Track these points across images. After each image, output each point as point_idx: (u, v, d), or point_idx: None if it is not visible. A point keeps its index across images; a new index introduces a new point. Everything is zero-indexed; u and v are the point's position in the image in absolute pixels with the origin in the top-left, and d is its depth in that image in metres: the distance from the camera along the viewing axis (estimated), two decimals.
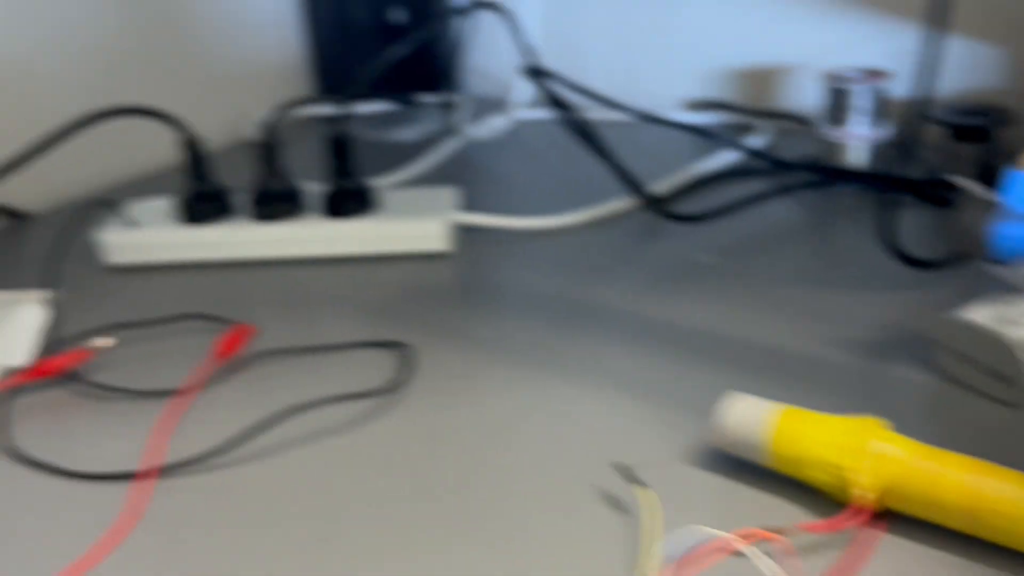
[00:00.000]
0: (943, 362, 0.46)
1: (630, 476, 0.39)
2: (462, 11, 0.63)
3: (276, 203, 0.63)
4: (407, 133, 0.86)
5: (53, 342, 0.53)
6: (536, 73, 0.68)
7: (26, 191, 0.73)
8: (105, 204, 0.63)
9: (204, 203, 0.63)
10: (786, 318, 0.52)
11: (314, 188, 0.64)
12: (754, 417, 0.39)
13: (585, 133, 0.63)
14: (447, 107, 0.90)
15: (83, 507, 0.41)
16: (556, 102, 0.64)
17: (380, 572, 0.36)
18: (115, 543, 0.38)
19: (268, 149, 0.62)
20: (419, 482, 0.41)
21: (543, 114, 0.87)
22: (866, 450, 0.37)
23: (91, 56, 0.76)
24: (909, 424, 0.38)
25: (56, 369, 0.50)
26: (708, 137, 0.74)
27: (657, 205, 0.65)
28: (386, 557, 0.37)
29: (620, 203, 0.66)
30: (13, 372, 0.50)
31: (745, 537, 0.35)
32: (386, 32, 0.94)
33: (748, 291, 0.55)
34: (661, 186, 0.68)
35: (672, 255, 0.60)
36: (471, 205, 0.69)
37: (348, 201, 0.63)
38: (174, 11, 0.82)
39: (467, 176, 0.75)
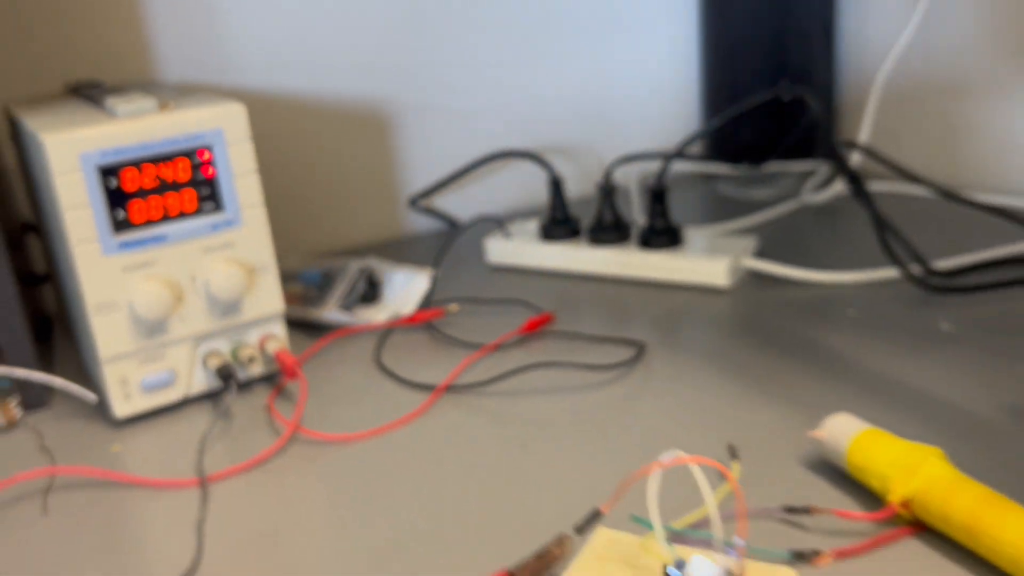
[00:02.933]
0: None
1: (733, 453, 0.51)
2: (778, 93, 0.76)
3: (608, 232, 0.81)
4: (760, 193, 0.99)
5: (429, 303, 0.77)
6: (843, 146, 0.78)
7: (460, 206, 1.01)
8: (496, 221, 0.86)
9: (557, 227, 0.84)
10: (980, 382, 0.58)
11: (639, 224, 0.82)
12: (843, 431, 0.49)
13: (868, 203, 0.73)
14: (805, 176, 1.02)
15: (401, 396, 0.63)
16: (847, 173, 0.74)
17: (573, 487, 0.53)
18: (410, 418, 0.60)
19: (605, 192, 0.81)
20: (619, 442, 0.57)
21: (881, 186, 0.95)
22: (910, 468, 0.45)
23: (520, 102, 1.02)
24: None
25: (421, 319, 0.74)
26: (1012, 221, 0.78)
27: (928, 276, 0.72)
28: (575, 486, 0.53)
29: (892, 271, 0.74)
30: (397, 317, 0.75)
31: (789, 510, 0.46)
32: (770, 106, 1.08)
33: (973, 361, 0.61)
34: (946, 263, 0.75)
35: (921, 321, 0.67)
36: (772, 255, 0.81)
37: (659, 236, 0.79)
38: (593, 77, 1.05)
39: (789, 234, 0.87)
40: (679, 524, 0.46)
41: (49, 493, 0.56)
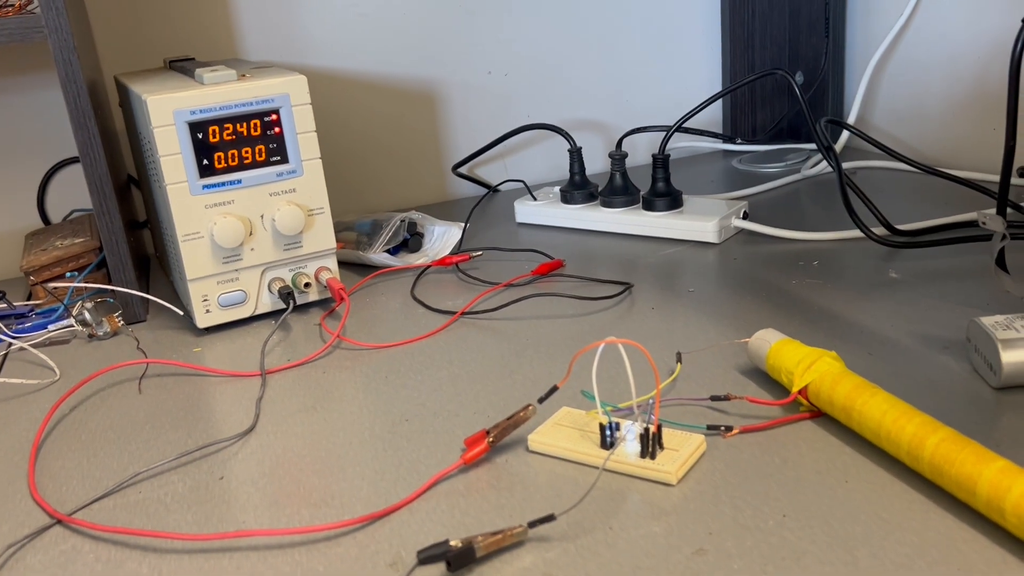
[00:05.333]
0: (969, 354, 0.61)
1: (678, 357, 0.63)
2: (764, 75, 0.87)
3: (618, 196, 0.93)
4: (770, 169, 1.10)
5: (459, 251, 0.91)
6: (836, 124, 0.89)
7: (495, 175, 1.14)
8: (524, 187, 0.99)
9: (575, 191, 0.96)
10: (907, 318, 0.68)
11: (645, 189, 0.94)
12: (765, 340, 0.61)
13: (838, 173, 0.83)
14: (809, 153, 1.12)
15: (428, 320, 0.77)
16: (824, 149, 0.85)
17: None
18: (433, 334, 0.73)
19: (615, 160, 0.93)
20: (593, 352, 0.69)
21: (874, 163, 1.05)
22: (808, 364, 0.56)
23: (552, 83, 1.15)
24: (927, 391, 0.57)
25: (449, 262, 0.87)
26: (980, 191, 0.87)
27: (891, 235, 0.82)
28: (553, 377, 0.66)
29: (858, 231, 0.84)
30: (433, 260, 0.89)
31: (714, 398, 0.58)
32: (783, 91, 1.19)
33: (900, 299, 0.72)
34: (908, 225, 0.85)
35: (874, 271, 0.78)
36: (769, 219, 0.92)
37: (661, 199, 0.91)
38: (622, 65, 1.17)
39: (788, 202, 0.98)
40: (623, 405, 0.58)
41: (143, 378, 0.71)
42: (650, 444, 0.52)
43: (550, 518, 0.47)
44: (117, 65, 1.00)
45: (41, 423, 0.65)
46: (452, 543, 0.46)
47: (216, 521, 0.52)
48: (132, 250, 0.84)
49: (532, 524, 0.47)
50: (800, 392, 0.57)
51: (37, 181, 1.01)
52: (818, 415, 0.57)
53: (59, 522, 0.53)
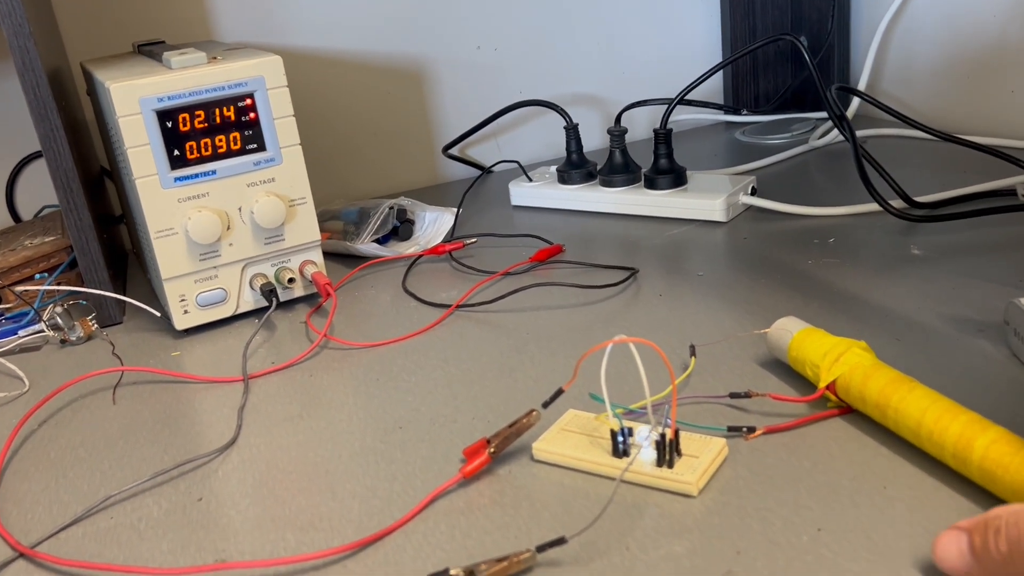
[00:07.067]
0: (1008, 338, 0.56)
1: (692, 350, 0.58)
2: (771, 41, 0.81)
3: (618, 174, 0.88)
4: (775, 140, 1.05)
5: (452, 237, 0.86)
6: (846, 91, 0.83)
7: (487, 155, 1.09)
8: (519, 167, 0.94)
9: (573, 170, 0.91)
10: (935, 299, 0.64)
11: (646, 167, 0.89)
12: (787, 329, 0.56)
13: (852, 143, 0.78)
14: (817, 122, 1.07)
15: (421, 314, 0.72)
16: (835, 117, 0.80)
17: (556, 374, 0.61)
18: (426, 330, 0.69)
19: (614, 136, 0.88)
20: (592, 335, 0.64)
21: (887, 130, 1.00)
22: (836, 357, 0.52)
23: (545, 58, 1.09)
24: (964, 379, 0.53)
25: (442, 251, 0.82)
26: (1001, 158, 0.82)
27: (910, 208, 0.77)
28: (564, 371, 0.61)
29: (875, 205, 0.79)
30: (424, 248, 0.84)
31: (733, 395, 0.53)
32: (787, 57, 1.14)
33: (925, 278, 0.67)
34: (927, 196, 0.80)
35: (894, 247, 0.73)
36: (778, 194, 0.86)
37: (663, 177, 0.86)
38: (620, 35, 1.11)
39: (797, 174, 0.93)
40: (635, 406, 0.54)
41: (117, 387, 0.66)
42: (667, 451, 0.48)
43: (561, 541, 0.42)
44: (85, 51, 0.94)
45: (6, 441, 0.60)
46: (453, 572, 0.41)
47: (194, 550, 0.47)
48: (105, 248, 0.79)
49: (541, 548, 0.42)
50: (828, 387, 0.52)
51: (5, 176, 0.96)
52: (848, 411, 0.52)
53: (22, 555, 0.48)
